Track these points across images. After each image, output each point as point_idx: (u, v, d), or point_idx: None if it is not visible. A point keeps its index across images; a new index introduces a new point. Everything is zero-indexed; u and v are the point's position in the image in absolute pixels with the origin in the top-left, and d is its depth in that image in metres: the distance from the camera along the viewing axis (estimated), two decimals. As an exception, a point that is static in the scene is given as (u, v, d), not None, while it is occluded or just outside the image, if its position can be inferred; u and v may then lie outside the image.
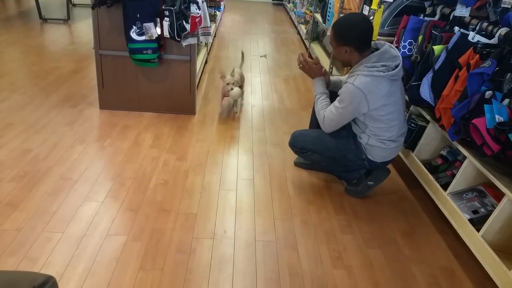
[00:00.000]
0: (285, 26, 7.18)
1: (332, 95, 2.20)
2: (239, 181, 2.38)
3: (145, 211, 2.05)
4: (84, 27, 5.85)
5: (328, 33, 4.17)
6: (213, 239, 1.90)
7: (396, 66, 1.96)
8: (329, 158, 2.26)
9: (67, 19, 6.02)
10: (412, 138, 2.38)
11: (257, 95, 3.72)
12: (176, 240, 1.87)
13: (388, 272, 1.79)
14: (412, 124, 2.38)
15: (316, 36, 5.36)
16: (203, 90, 3.78)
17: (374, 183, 2.25)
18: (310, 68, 2.26)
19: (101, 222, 1.94)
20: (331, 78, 2.37)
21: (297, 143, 2.31)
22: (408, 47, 2.44)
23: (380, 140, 2.09)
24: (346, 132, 2.17)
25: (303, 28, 5.99)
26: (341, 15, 3.72)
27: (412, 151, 2.38)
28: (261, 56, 5.05)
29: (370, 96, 1.95)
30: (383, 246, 1.95)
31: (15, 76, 3.73)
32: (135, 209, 2.05)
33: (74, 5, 7.20)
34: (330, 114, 2.09)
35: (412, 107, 2.47)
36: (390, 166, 2.68)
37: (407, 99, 2.40)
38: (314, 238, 1.96)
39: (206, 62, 4.56)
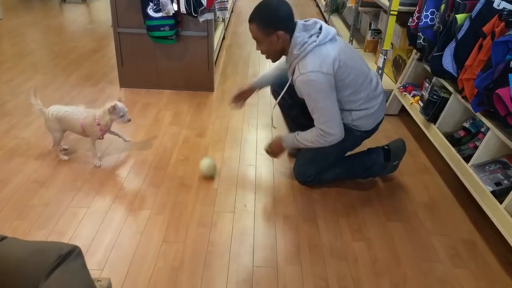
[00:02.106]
0: (303, -1, 7.02)
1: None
2: (259, 157, 2.39)
3: (167, 186, 2.09)
4: (102, 5, 5.86)
5: (349, 4, 4.06)
6: (233, 213, 1.93)
7: (320, 28, 1.81)
8: (343, 165, 2.13)
9: (84, -1, 6.04)
10: (434, 110, 2.32)
11: (275, 70, 3.68)
12: (197, 214, 1.91)
13: (408, 244, 1.80)
14: (435, 96, 2.32)
15: (336, 8, 5.22)
16: (221, 66, 3.77)
17: (398, 161, 2.19)
18: (275, 146, 2.10)
19: (125, 197, 2.00)
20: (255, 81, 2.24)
21: (309, 173, 2.09)
22: (430, 16, 2.36)
23: (360, 108, 1.93)
24: None
25: (322, 0, 5.83)
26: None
27: (434, 124, 2.33)
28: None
29: (325, 68, 1.75)
30: (403, 219, 1.95)
31: (37, 57, 3.79)
32: (157, 184, 2.10)
33: (91, -16, 7.20)
34: (321, 125, 1.84)
35: (434, 79, 2.41)
36: (411, 140, 2.65)
37: (430, 70, 2.34)
38: (334, 212, 1.97)
39: (223, 38, 4.52)
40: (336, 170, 2.14)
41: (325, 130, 1.84)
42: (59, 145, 2.26)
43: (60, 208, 1.90)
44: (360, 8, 3.80)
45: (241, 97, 2.26)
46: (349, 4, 4.03)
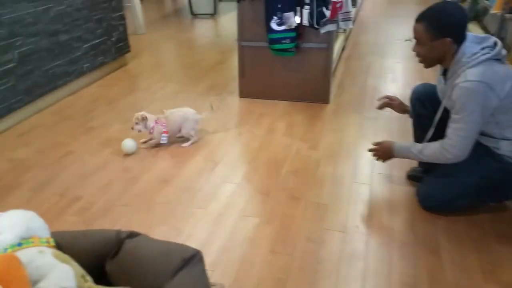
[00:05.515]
0: (433, 8, 6.51)
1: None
2: (374, 175, 2.25)
3: (276, 196, 2.09)
4: (227, 20, 6.24)
5: (492, 11, 3.63)
6: (344, 232, 1.84)
7: (495, 44, 1.68)
8: (476, 192, 1.88)
9: (213, 14, 6.52)
10: None
11: (399, 83, 3.46)
12: (305, 228, 1.86)
13: (557, 296, 1.49)
14: None
15: (475, 15, 4.72)
16: (338, 78, 3.68)
17: None
18: (383, 150, 2.02)
19: (237, 203, 2.05)
20: None
21: (439, 199, 1.90)
22: None
23: None
24: (474, 153, 1.76)
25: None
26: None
27: None
28: (405, 40, 4.69)
29: (494, 83, 1.62)
30: (551, 265, 1.62)
31: (171, 67, 4.19)
32: (267, 193, 2.11)
33: (220, 0, 7.76)
34: (456, 137, 1.71)
35: None
36: None
37: None
38: (461, 245, 1.73)
39: (343, 49, 4.43)
40: (471, 198, 1.90)
41: (453, 139, 1.72)
42: None
43: (180, 207, 2.03)
44: (507, 15, 3.37)
45: (390, 104, 2.19)
46: (492, 11, 3.60)
